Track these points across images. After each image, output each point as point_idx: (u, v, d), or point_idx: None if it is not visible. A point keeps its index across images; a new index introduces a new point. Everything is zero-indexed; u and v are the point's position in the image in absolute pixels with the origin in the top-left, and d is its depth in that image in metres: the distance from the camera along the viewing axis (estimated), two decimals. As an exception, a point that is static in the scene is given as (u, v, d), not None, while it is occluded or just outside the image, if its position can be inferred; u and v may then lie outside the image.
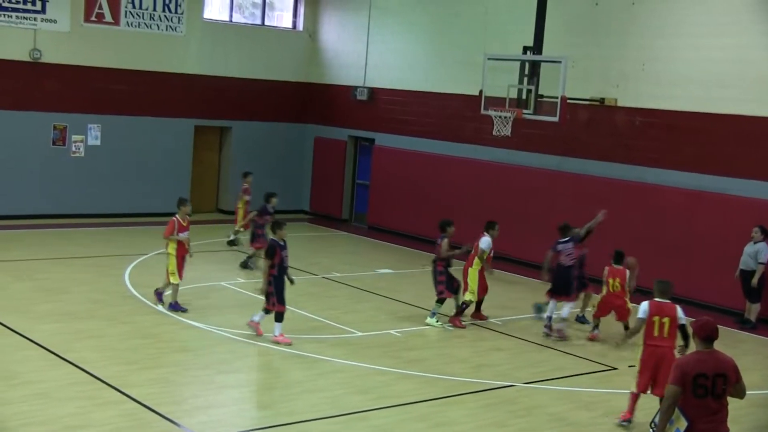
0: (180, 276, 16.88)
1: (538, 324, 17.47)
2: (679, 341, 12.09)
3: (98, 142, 25.80)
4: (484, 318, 17.78)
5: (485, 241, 17.40)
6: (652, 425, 9.31)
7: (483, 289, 17.55)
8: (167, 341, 15.00)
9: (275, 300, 15.17)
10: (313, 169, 29.44)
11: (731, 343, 15.54)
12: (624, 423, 12.54)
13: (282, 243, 15.23)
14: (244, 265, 20.89)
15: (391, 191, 26.18)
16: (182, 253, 16.94)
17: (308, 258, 21.88)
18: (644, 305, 12.15)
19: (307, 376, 13.77)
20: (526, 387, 13.96)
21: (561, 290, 16.86)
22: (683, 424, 8.66)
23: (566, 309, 16.83)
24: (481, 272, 17.40)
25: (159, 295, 17.11)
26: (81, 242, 22.62)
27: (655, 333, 12.02)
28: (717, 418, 8.73)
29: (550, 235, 18.96)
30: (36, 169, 24.94)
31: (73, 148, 25.49)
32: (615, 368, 15.12)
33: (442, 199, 24.94)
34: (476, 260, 17.32)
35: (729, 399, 8.83)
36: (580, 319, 17.93)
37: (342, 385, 13.52)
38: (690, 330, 10.22)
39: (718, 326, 9.02)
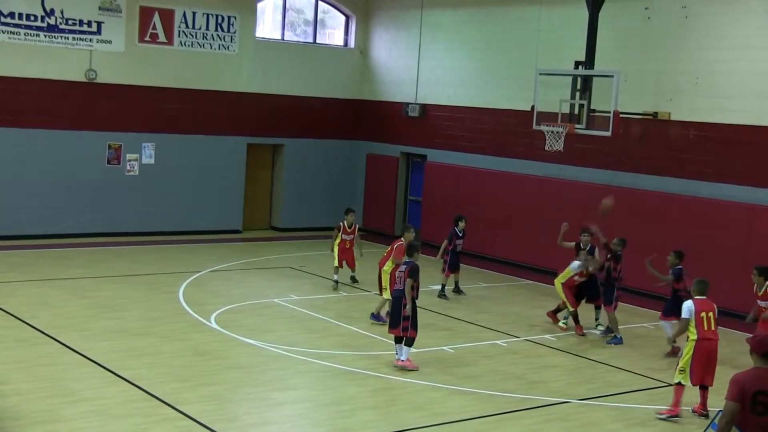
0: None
1: (592, 340, 17.41)
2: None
3: (152, 161, 26.08)
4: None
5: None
6: None
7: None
8: (221, 358, 15.07)
9: (409, 325, 14.86)
10: (366, 186, 29.51)
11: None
12: (673, 419, 13.14)
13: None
14: (457, 291, 20.98)
15: (444, 207, 26.13)
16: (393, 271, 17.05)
17: (361, 275, 21.86)
18: (689, 305, 13.33)
19: (361, 393, 13.78)
20: (581, 404, 13.83)
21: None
22: None
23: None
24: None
25: (376, 317, 17.68)
26: (136, 260, 22.84)
27: (705, 327, 13.16)
28: None
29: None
30: (91, 187, 25.24)
31: (128, 167, 25.78)
32: (672, 384, 14.92)
33: (495, 215, 24.88)
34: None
35: None
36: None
37: (395, 402, 13.50)
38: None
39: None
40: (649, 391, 14.67)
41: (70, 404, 12.40)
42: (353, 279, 21.30)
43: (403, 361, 14.86)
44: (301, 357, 15.27)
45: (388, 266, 17.42)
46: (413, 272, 14.79)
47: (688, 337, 13.31)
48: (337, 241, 20.80)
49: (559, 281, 18.18)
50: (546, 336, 17.71)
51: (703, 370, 13.19)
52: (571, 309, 18.12)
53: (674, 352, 15.89)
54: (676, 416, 13.20)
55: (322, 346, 16.01)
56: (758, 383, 8.47)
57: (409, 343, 14.91)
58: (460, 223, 20.78)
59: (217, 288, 20.25)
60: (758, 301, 15.54)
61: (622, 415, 13.43)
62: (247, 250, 25.57)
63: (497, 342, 17.13)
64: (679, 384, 13.29)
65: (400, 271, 15.00)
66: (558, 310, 18.48)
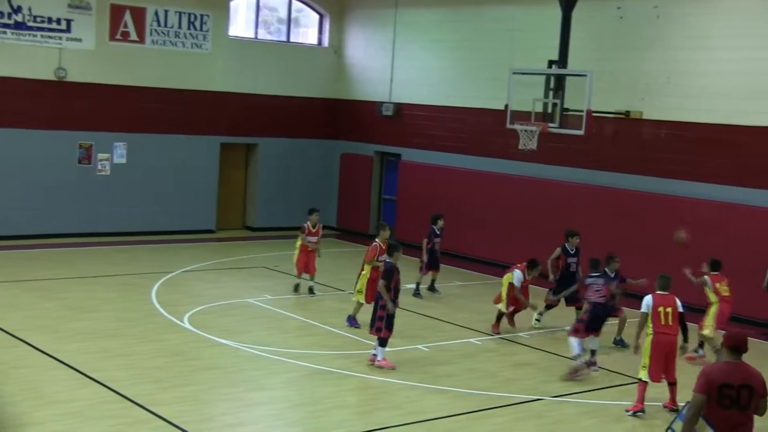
0: (367, 299, 16.90)
1: (566, 337, 17.44)
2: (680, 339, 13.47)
3: (124, 160, 25.90)
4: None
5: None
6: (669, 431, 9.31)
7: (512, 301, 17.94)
8: (195, 359, 15.00)
9: (383, 325, 14.80)
10: (340, 185, 29.47)
11: (758, 355, 15.34)
12: (639, 413, 13.38)
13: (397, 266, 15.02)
14: (432, 290, 20.93)
15: (418, 206, 26.13)
16: (374, 276, 16.74)
17: (336, 274, 21.87)
18: (647, 299, 13.47)
19: (336, 392, 13.75)
20: (554, 401, 13.88)
21: (592, 326, 15.69)
22: None
23: (595, 343, 15.78)
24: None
25: (351, 320, 17.43)
26: (107, 261, 22.69)
27: (662, 322, 13.31)
28: (742, 431, 8.66)
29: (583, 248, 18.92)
30: (62, 187, 25.02)
31: (99, 167, 25.59)
32: (645, 381, 14.96)
33: (469, 214, 24.89)
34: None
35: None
36: (619, 343, 17.43)
37: (370, 401, 13.50)
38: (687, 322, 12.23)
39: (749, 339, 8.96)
40: (622, 387, 14.74)
41: (41, 407, 12.28)
42: (311, 290, 20.08)
43: (379, 361, 14.85)
44: (275, 357, 15.22)
45: (366, 270, 17.28)
46: (386, 273, 14.80)
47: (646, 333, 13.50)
48: (299, 243, 20.01)
49: (507, 280, 17.85)
50: (520, 334, 17.75)
51: (662, 365, 13.34)
52: (505, 309, 17.78)
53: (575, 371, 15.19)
54: (641, 411, 13.37)
55: (296, 346, 15.97)
56: (724, 376, 8.61)
57: (383, 343, 14.90)
58: (438, 221, 20.73)
59: (190, 288, 20.16)
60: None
61: (594, 412, 13.49)
62: (221, 250, 25.47)
63: (472, 340, 17.16)
64: (641, 380, 13.45)
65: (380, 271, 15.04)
66: (499, 317, 17.90)
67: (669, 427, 9.33)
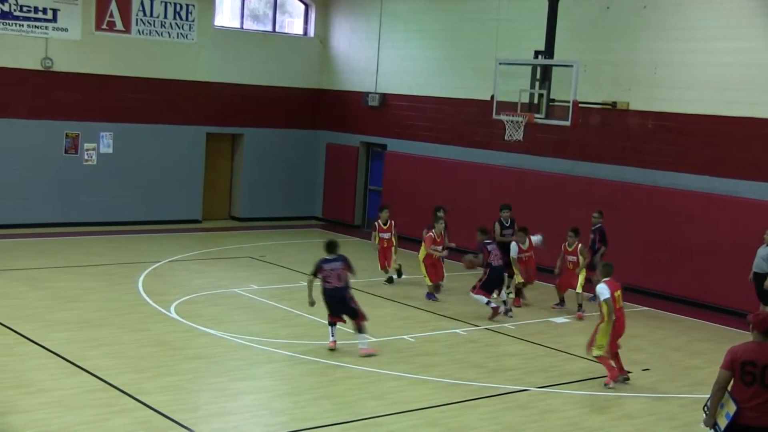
0: (432, 279, 19.55)
1: (551, 328, 17.52)
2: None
3: (110, 150, 25.86)
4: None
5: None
6: (705, 408, 9.47)
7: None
8: (181, 348, 15.02)
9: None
10: (325, 176, 29.46)
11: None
12: (616, 382, 14.33)
13: None
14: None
15: (403, 197, 26.16)
16: (429, 261, 19.53)
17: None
18: (605, 288, 14.10)
19: (321, 382, 13.78)
20: (539, 391, 13.94)
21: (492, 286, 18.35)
22: (732, 408, 9.03)
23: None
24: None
25: (429, 295, 19.60)
26: (94, 250, 22.67)
27: (618, 305, 14.21)
28: (766, 408, 9.02)
29: (562, 238, 18.99)
30: (48, 177, 25.00)
31: (86, 156, 25.55)
32: (628, 371, 15.07)
33: (455, 205, 24.90)
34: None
35: None
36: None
37: (355, 391, 13.52)
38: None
39: (733, 329, 9.16)
40: (606, 378, 14.78)
41: (28, 395, 12.30)
42: (390, 280, 20.79)
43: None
44: (261, 347, 15.25)
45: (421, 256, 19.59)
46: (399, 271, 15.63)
47: (603, 317, 14.13)
48: (377, 241, 20.73)
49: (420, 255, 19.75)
50: (505, 324, 17.80)
51: (615, 342, 14.41)
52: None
53: (495, 313, 18.01)
54: (615, 381, 14.30)
55: (282, 335, 16.00)
56: (748, 354, 9.05)
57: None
58: (504, 211, 20.58)
59: (176, 278, 20.16)
60: (567, 256, 19.05)
61: (579, 402, 13.55)
62: (207, 240, 25.47)
63: (457, 331, 17.20)
64: (600, 357, 14.34)
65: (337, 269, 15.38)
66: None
67: (705, 405, 9.54)
